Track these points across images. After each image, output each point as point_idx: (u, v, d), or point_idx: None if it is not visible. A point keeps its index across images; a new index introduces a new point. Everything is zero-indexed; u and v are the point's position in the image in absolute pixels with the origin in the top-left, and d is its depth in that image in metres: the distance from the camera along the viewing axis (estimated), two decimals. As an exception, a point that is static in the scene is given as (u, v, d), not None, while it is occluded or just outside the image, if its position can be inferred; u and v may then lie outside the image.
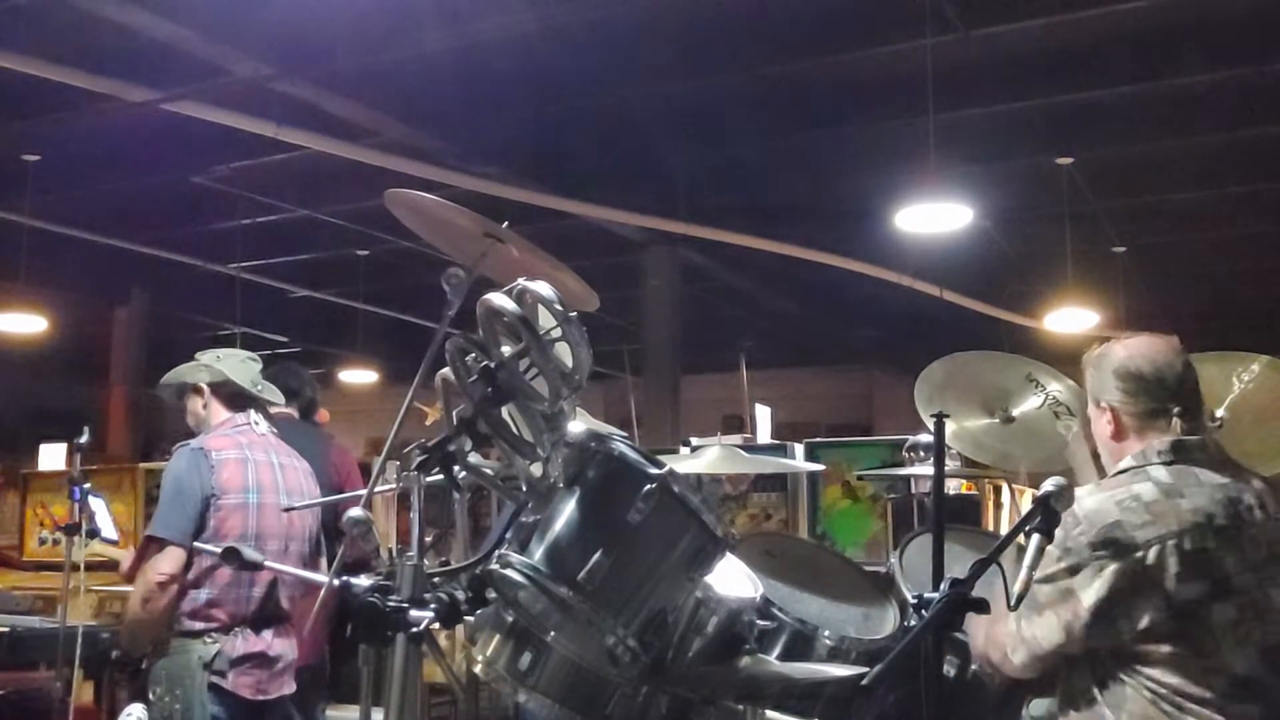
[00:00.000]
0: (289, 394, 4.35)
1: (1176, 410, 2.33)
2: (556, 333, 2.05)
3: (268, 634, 3.50)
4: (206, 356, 3.74)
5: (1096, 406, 2.41)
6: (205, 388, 3.70)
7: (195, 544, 3.35)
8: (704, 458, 3.88)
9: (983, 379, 3.28)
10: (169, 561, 3.38)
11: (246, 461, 3.57)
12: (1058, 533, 2.16)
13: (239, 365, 3.72)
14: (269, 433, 3.74)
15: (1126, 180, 9.75)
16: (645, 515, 1.97)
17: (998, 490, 6.03)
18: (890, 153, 8.58)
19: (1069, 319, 10.41)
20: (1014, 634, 2.26)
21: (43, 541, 7.15)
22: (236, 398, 3.70)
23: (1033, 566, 2.23)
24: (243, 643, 3.43)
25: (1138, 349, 2.39)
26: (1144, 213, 10.58)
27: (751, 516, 6.50)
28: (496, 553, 2.01)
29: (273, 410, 3.88)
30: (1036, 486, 2.44)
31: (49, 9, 6.70)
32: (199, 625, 3.41)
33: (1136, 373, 2.38)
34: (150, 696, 3.40)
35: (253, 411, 3.71)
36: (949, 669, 2.68)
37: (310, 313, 14.21)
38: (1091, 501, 2.23)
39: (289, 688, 3.57)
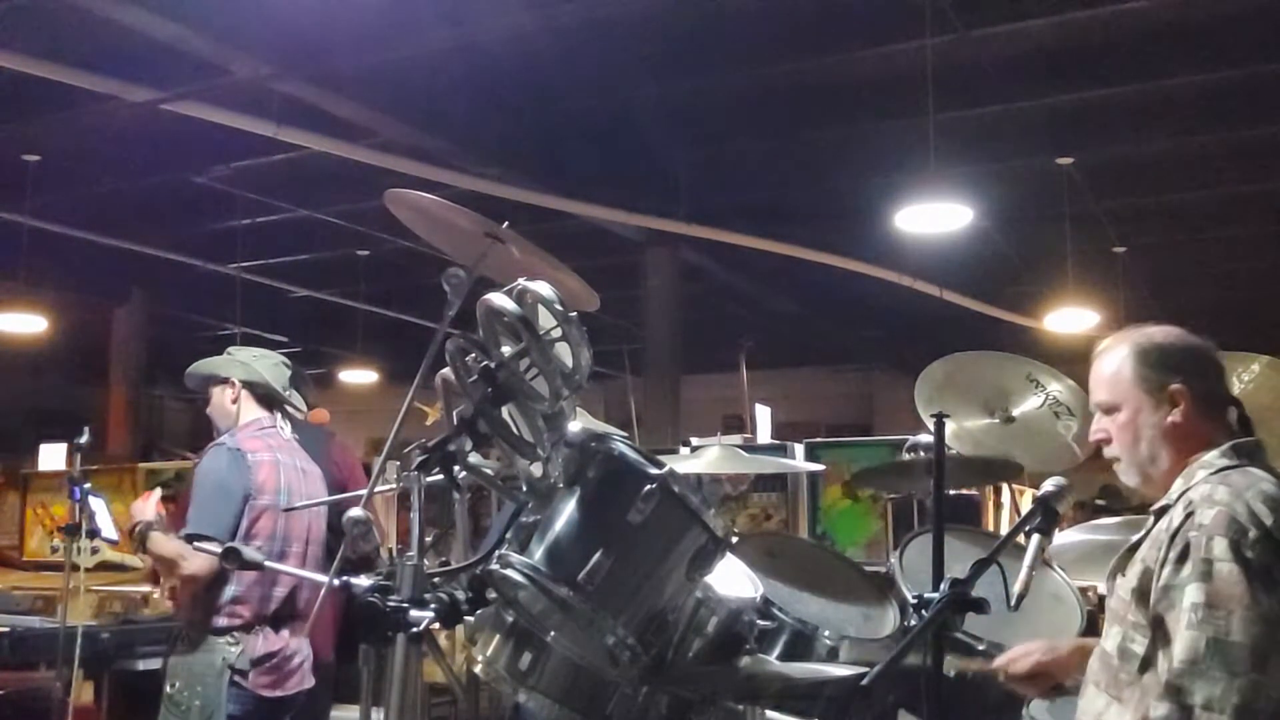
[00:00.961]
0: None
1: (1231, 397, 2.23)
2: (556, 333, 2.05)
3: (285, 632, 3.54)
4: (242, 354, 3.79)
5: (1159, 392, 2.16)
6: (239, 384, 3.72)
7: (195, 544, 3.34)
8: (704, 458, 3.88)
9: (983, 379, 3.29)
10: (209, 558, 3.34)
11: (279, 464, 3.62)
12: (1216, 544, 1.94)
13: (273, 368, 3.76)
14: (292, 438, 3.78)
15: (1126, 180, 9.75)
16: (645, 515, 1.97)
17: (998, 490, 6.03)
18: (890, 153, 8.58)
19: (1069, 319, 10.41)
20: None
21: (55, 550, 7.13)
22: (266, 399, 3.74)
23: (1033, 566, 2.23)
24: (263, 642, 3.47)
25: (1178, 332, 2.24)
26: (1144, 213, 10.58)
27: (751, 516, 6.51)
28: (496, 553, 2.01)
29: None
30: (1036, 486, 2.42)
31: (49, 9, 6.70)
32: (223, 622, 3.44)
33: (1204, 355, 2.22)
34: (168, 689, 3.42)
35: (279, 415, 3.76)
36: (949, 669, 2.69)
37: (310, 313, 14.22)
38: (1240, 504, 1.98)
39: (308, 682, 3.61)
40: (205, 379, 3.77)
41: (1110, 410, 2.23)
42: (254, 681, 3.44)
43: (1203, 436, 2.16)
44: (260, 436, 3.67)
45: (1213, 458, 2.12)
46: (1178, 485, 2.13)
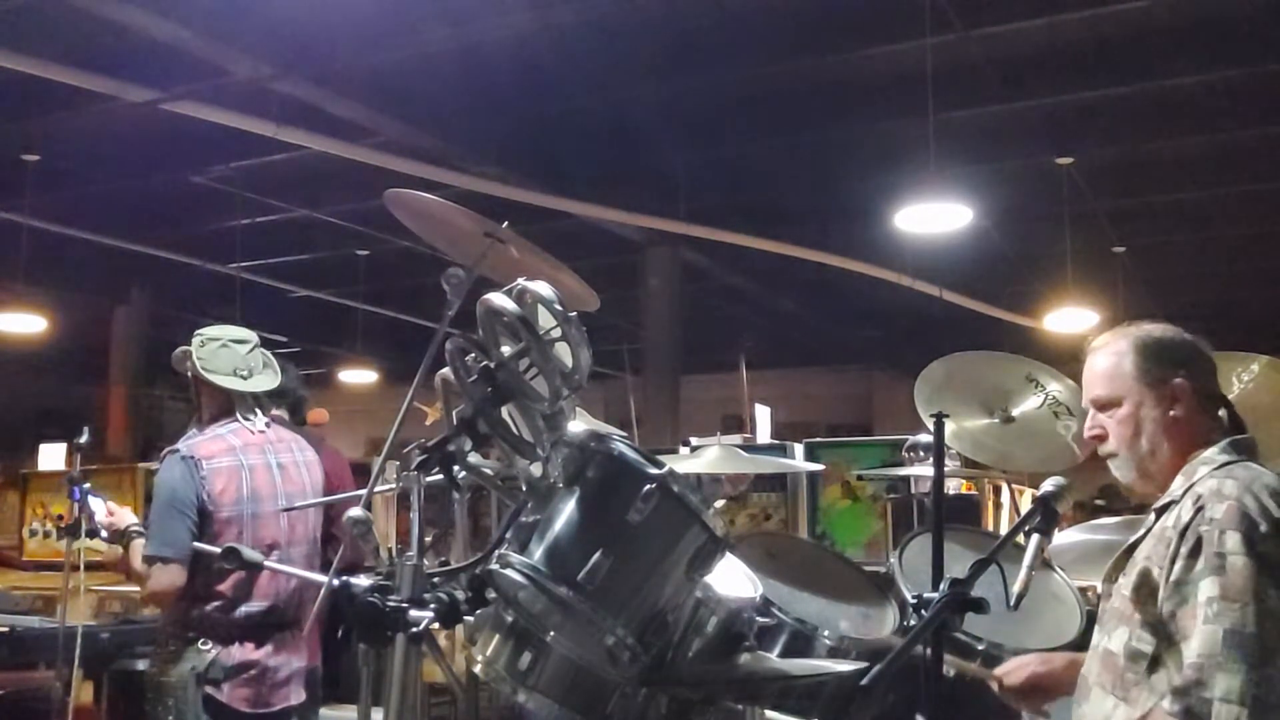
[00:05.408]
0: (276, 393, 3.93)
1: (1222, 395, 2.21)
2: (556, 333, 2.04)
3: (269, 644, 3.35)
4: (195, 340, 3.48)
5: (1161, 386, 2.14)
6: (192, 379, 3.49)
7: (195, 544, 3.29)
8: (704, 458, 3.88)
9: (983, 379, 3.28)
10: (169, 577, 3.26)
11: (240, 468, 3.38)
12: (1229, 538, 1.93)
13: (218, 352, 3.44)
14: (266, 429, 3.52)
15: (1126, 180, 9.76)
16: (645, 515, 1.97)
17: (998, 490, 6.03)
18: (890, 153, 8.59)
19: (1069, 319, 10.41)
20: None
21: (33, 533, 7.14)
22: (219, 392, 3.46)
23: (1032, 566, 2.22)
24: (239, 649, 3.28)
25: (1172, 327, 2.23)
26: (1144, 213, 10.59)
27: (751, 516, 6.50)
28: (496, 553, 2.01)
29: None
30: (1036, 486, 2.41)
31: (49, 9, 6.70)
32: (193, 633, 3.28)
33: (1199, 350, 2.21)
34: (145, 704, 3.31)
35: (240, 411, 3.48)
36: (949, 669, 2.69)
37: (310, 313, 14.22)
38: (1250, 498, 1.97)
39: (295, 698, 3.40)
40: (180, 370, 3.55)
41: (1108, 405, 2.20)
42: (230, 695, 3.24)
43: (1201, 432, 2.15)
44: (223, 436, 3.40)
45: (1213, 454, 2.11)
46: (1179, 482, 2.12)
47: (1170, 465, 2.15)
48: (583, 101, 8.27)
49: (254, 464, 3.42)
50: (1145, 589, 2.04)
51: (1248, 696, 1.87)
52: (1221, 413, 2.19)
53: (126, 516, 3.51)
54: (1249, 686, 1.88)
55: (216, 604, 3.29)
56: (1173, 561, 2.00)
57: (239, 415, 3.47)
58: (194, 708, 3.23)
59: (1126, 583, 2.11)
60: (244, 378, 3.47)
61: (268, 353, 3.60)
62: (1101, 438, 2.22)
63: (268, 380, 3.54)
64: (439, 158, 8.79)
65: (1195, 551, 1.97)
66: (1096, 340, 2.27)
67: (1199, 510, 2.00)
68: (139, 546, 3.38)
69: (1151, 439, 2.16)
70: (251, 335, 3.55)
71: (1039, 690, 2.37)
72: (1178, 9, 7.00)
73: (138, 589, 3.45)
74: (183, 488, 3.30)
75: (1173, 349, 2.19)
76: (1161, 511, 2.12)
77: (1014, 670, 2.38)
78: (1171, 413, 2.15)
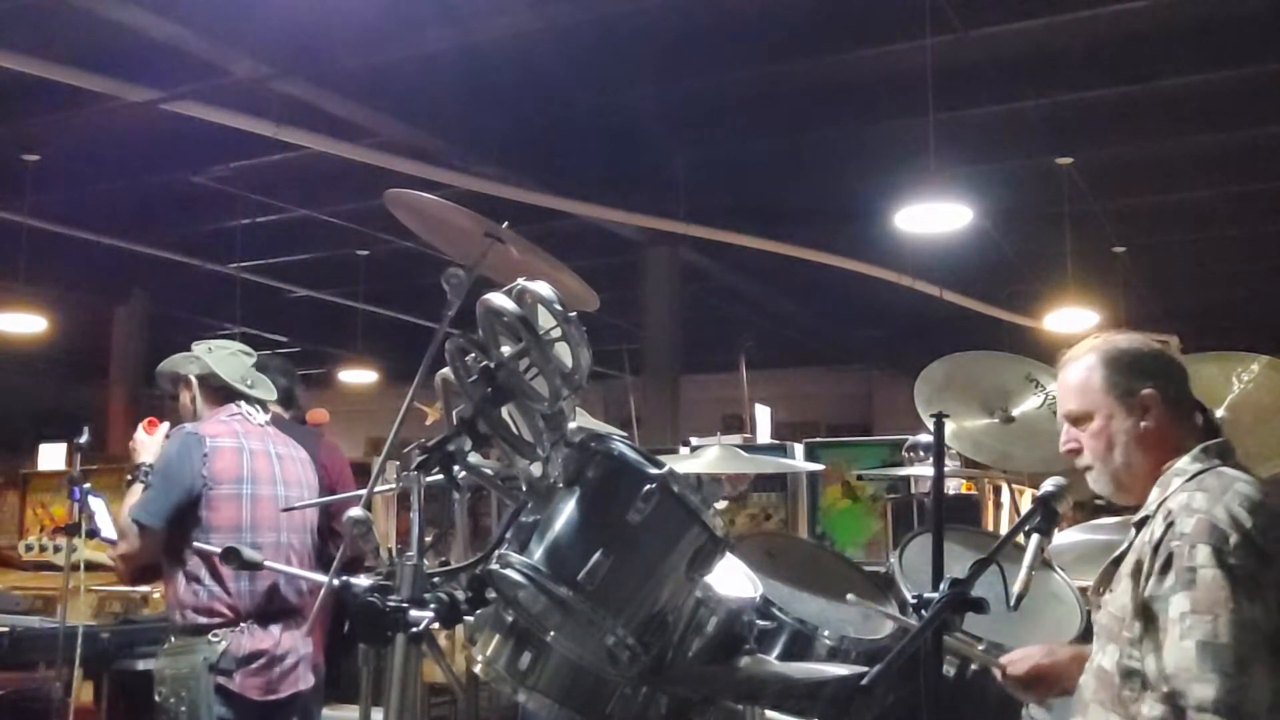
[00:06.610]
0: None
1: (1196, 401, 2.22)
2: (556, 333, 2.05)
3: (275, 629, 3.40)
4: (199, 348, 3.67)
5: (1130, 398, 2.15)
6: (194, 380, 3.63)
7: (195, 544, 3.31)
8: (704, 458, 3.87)
9: (983, 379, 3.28)
10: (142, 541, 3.38)
11: (242, 450, 3.50)
12: (1199, 552, 1.93)
13: (228, 359, 3.64)
14: (265, 424, 3.66)
15: (1126, 180, 9.76)
16: (645, 515, 1.97)
17: (998, 490, 6.03)
18: (890, 153, 8.58)
19: (1069, 319, 10.40)
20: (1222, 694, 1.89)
21: (29, 548, 7.10)
22: (222, 392, 3.62)
23: (1032, 566, 2.22)
24: (249, 639, 3.34)
25: (1140, 338, 2.25)
26: (1144, 213, 10.59)
27: (751, 516, 6.50)
28: (496, 553, 2.01)
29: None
30: (1036, 486, 2.41)
31: (49, 9, 6.70)
32: (203, 620, 3.33)
33: (1169, 359, 2.22)
34: (156, 697, 3.35)
35: (244, 403, 3.63)
36: (949, 669, 2.69)
37: (310, 313, 14.22)
38: (1220, 509, 1.97)
39: (304, 683, 3.47)
40: (171, 378, 3.69)
41: (1080, 419, 2.22)
42: (242, 684, 3.30)
43: (1174, 441, 2.15)
44: (226, 422, 3.56)
45: (1185, 464, 2.12)
46: (1154, 495, 2.12)
47: (1145, 476, 2.16)
48: (583, 101, 8.26)
49: (254, 449, 3.56)
50: (1130, 605, 2.05)
51: (1224, 705, 1.88)
52: (1198, 417, 2.19)
53: (148, 450, 3.56)
54: (1223, 695, 1.88)
55: (220, 584, 3.35)
56: (1147, 579, 2.01)
57: (242, 410, 3.62)
58: (206, 698, 3.28)
59: (1113, 599, 2.12)
60: (249, 386, 3.67)
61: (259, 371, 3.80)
62: (1076, 451, 2.24)
63: (267, 393, 3.75)
64: (439, 158, 8.78)
65: (1166, 567, 1.98)
66: (1069, 353, 2.28)
67: (1169, 525, 2.01)
68: (137, 491, 3.48)
69: (1124, 451, 2.17)
70: (251, 351, 3.76)
71: (1043, 682, 2.37)
72: (1177, 9, 6.99)
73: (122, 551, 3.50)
74: (177, 462, 3.42)
75: (1140, 360, 2.20)
76: (1140, 525, 2.12)
77: (1018, 660, 2.39)
78: (1143, 424, 2.15)
